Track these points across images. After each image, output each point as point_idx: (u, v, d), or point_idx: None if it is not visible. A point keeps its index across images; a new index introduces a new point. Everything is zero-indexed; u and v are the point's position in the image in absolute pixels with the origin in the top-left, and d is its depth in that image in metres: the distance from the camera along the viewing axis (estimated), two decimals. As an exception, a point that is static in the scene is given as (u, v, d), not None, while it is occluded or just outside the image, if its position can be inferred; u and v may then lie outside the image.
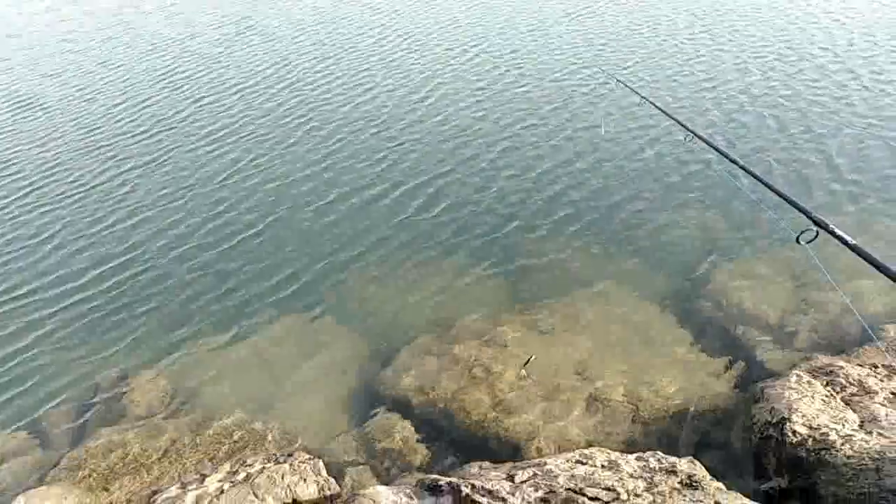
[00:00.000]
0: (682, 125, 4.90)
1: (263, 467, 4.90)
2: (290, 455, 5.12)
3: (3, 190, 10.38)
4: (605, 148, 9.49)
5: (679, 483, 3.82)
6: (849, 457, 3.92)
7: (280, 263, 7.86)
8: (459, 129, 10.60)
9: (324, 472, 4.90)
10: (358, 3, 18.56)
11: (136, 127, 12.11)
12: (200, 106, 12.68)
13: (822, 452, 4.09)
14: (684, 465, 4.10)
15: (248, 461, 5.09)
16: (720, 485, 3.84)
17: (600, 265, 7.26)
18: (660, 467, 4.10)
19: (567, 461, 4.30)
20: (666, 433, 5.26)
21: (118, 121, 12.45)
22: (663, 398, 5.54)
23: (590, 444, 4.98)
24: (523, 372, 5.89)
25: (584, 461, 4.27)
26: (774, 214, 4.46)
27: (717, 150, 4.25)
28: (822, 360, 5.47)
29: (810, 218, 2.94)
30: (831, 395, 4.85)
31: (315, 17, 17.90)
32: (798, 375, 5.12)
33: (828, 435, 4.23)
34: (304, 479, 4.74)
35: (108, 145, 11.47)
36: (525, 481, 4.06)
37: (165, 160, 10.72)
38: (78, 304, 7.58)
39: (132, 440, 5.67)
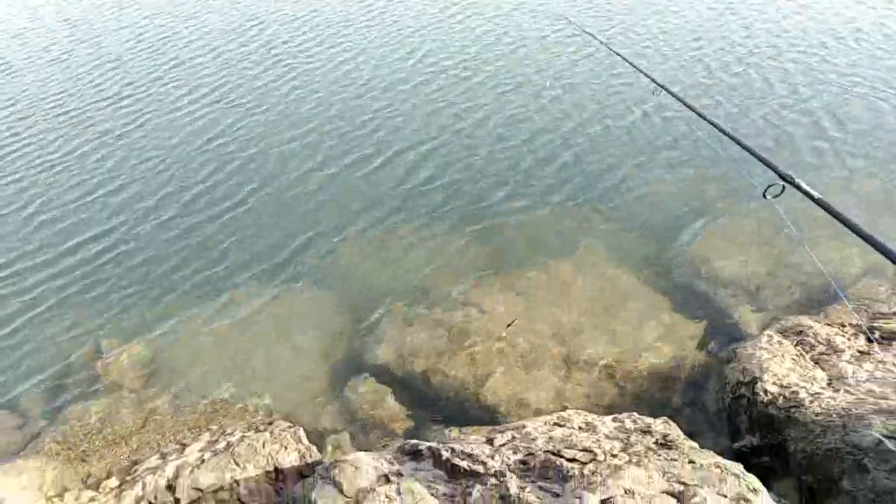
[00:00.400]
0: (651, 77, 4.87)
1: (244, 436, 4.90)
2: (270, 423, 5.13)
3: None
4: (581, 115, 9.43)
5: (654, 443, 3.91)
6: (817, 414, 4.04)
7: (259, 234, 7.75)
8: (440, 97, 10.43)
9: (304, 440, 4.93)
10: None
11: (109, 91, 11.71)
12: (179, 70, 12.27)
13: (792, 410, 4.21)
14: (659, 425, 4.19)
15: (229, 430, 5.09)
16: (694, 444, 3.94)
17: (577, 231, 7.28)
18: (635, 428, 4.18)
19: (545, 424, 4.37)
20: (642, 395, 5.37)
21: (92, 85, 12.01)
22: (639, 361, 5.64)
23: (567, 407, 5.07)
24: (504, 333, 5.94)
25: (562, 424, 4.34)
26: (743, 171, 4.44)
27: (683, 102, 4.22)
28: (793, 320, 5.59)
29: (777, 172, 2.92)
30: (801, 354, 4.98)
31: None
32: (769, 335, 5.24)
33: (797, 393, 4.35)
34: (285, 447, 4.77)
35: (80, 110, 11.10)
36: (504, 444, 4.12)
37: (141, 127, 10.43)
38: (54, 277, 7.42)
39: (111, 412, 5.63)
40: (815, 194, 2.66)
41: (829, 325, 5.42)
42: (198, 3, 15.80)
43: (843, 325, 5.38)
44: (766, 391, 4.46)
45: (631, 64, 5.58)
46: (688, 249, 6.84)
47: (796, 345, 5.10)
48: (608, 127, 9.06)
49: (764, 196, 2.89)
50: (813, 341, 5.14)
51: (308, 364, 6.13)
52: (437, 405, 5.56)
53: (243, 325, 6.57)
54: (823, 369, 4.75)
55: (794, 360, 4.91)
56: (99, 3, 16.10)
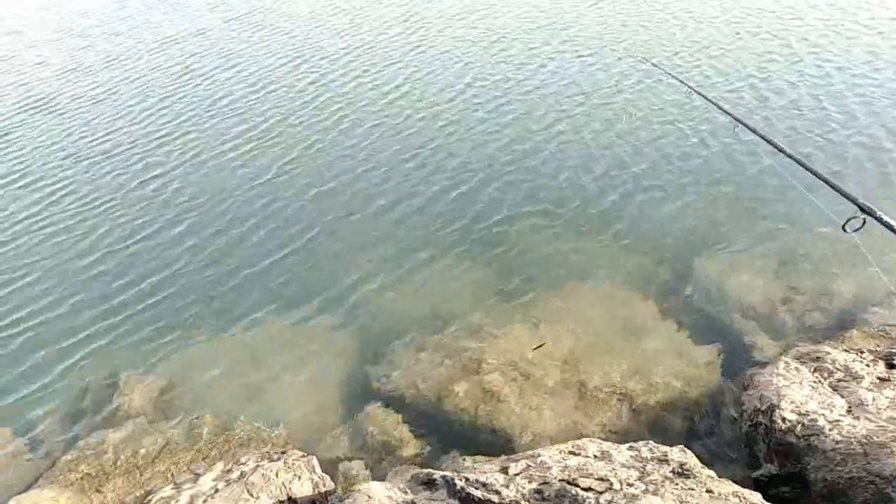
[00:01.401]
0: (728, 112, 4.88)
1: (257, 465, 4.89)
2: (283, 452, 5.12)
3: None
4: (594, 140, 9.47)
5: (671, 472, 3.86)
6: (837, 442, 3.98)
7: (269, 263, 7.82)
8: (453, 117, 10.55)
9: (318, 469, 4.91)
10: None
11: (136, 126, 11.95)
12: (184, 102, 12.54)
13: (812, 438, 4.14)
14: (676, 453, 4.13)
15: (242, 459, 5.09)
16: (711, 472, 3.88)
17: (589, 257, 7.29)
18: (651, 456, 4.13)
19: (560, 452, 4.33)
20: (657, 422, 5.31)
21: (117, 117, 12.28)
22: (654, 388, 5.60)
23: (582, 435, 5.01)
24: (530, 356, 5.92)
25: (577, 452, 4.30)
26: (819, 203, 4.31)
27: (764, 138, 4.16)
28: (810, 346, 5.53)
29: (857, 204, 2.83)
30: (819, 380, 4.91)
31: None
32: (786, 362, 5.18)
33: (816, 421, 4.28)
34: (299, 477, 4.75)
35: (101, 142, 11.33)
36: (518, 473, 4.08)
37: (151, 154, 10.62)
38: (68, 305, 7.51)
39: (124, 441, 5.65)
40: None
41: (846, 351, 5.35)
42: (226, 38, 16.20)
43: (862, 352, 5.31)
44: (784, 419, 4.39)
45: (708, 99, 5.48)
46: (703, 275, 6.81)
47: (814, 371, 5.03)
48: (614, 155, 9.09)
49: (844, 230, 2.84)
50: (831, 367, 5.07)
51: (321, 392, 6.14)
52: (450, 433, 5.53)
53: (257, 355, 6.60)
54: (842, 396, 4.68)
55: (811, 386, 4.84)
56: (142, 42, 16.54)
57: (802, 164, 3.46)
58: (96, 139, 11.50)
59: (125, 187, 9.83)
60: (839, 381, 4.88)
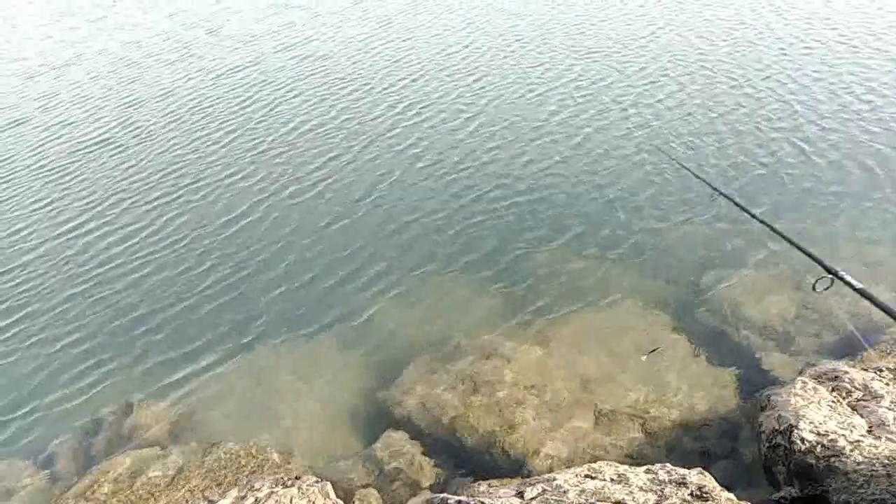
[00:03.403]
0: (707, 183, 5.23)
1: (272, 491, 4.87)
2: (297, 478, 5.09)
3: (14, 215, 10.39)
4: (611, 165, 9.45)
5: (689, 495, 3.80)
6: (859, 463, 3.91)
7: (280, 286, 7.87)
8: (466, 145, 10.63)
9: (332, 495, 4.88)
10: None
11: (148, 153, 12.13)
12: (177, 124, 12.73)
13: (832, 459, 4.08)
14: (694, 476, 4.08)
15: (256, 485, 5.06)
16: (731, 496, 3.82)
17: (603, 278, 7.27)
18: (669, 479, 4.08)
19: (576, 476, 4.28)
20: (674, 445, 5.25)
21: (132, 149, 12.49)
22: (670, 409, 5.54)
23: (598, 458, 4.96)
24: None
25: (594, 475, 4.25)
26: (789, 263, 4.51)
27: (739, 206, 4.39)
28: (827, 365, 5.47)
29: (823, 266, 3.09)
30: (837, 400, 4.84)
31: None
32: (803, 381, 5.11)
33: (836, 441, 4.22)
34: (313, 503, 4.72)
35: (110, 163, 11.51)
36: (534, 497, 4.04)
37: (162, 182, 10.77)
38: (81, 332, 7.58)
39: (139, 468, 5.64)
40: (858, 285, 2.86)
41: (865, 369, 5.28)
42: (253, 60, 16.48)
43: (881, 370, 5.24)
44: (803, 439, 4.33)
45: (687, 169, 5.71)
46: (714, 296, 6.77)
47: (832, 391, 4.97)
48: (628, 180, 9.09)
49: (814, 289, 3.11)
50: (849, 387, 5.00)
51: (334, 418, 6.13)
52: (464, 457, 5.49)
53: (270, 381, 6.62)
54: (862, 416, 4.61)
55: (830, 406, 4.77)
56: (178, 70, 16.80)
57: (774, 230, 3.62)
58: (105, 167, 11.68)
59: (138, 216, 9.93)
60: (858, 400, 4.81)
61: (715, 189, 5.28)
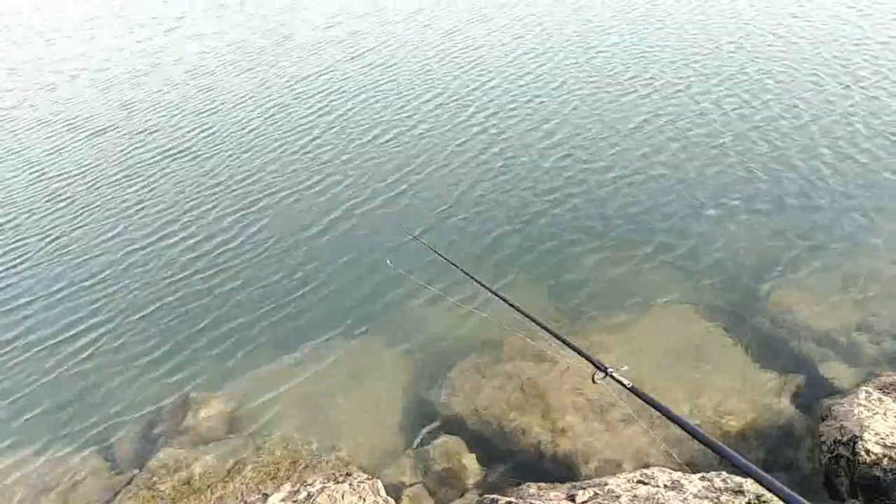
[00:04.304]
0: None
1: (323, 487, 4.97)
2: (348, 475, 5.19)
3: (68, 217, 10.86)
4: (658, 164, 9.35)
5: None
6: (928, 477, 3.76)
7: (333, 288, 8.00)
8: (510, 143, 10.63)
9: (382, 492, 4.95)
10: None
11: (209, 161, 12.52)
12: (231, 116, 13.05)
13: (899, 472, 3.93)
14: (751, 485, 3.99)
15: (309, 480, 5.18)
16: (791, 506, 3.72)
17: (652, 280, 7.16)
18: (725, 487, 4.00)
19: (628, 481, 4.24)
20: (729, 453, 5.12)
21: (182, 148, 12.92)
22: (723, 416, 5.42)
23: (649, 464, 4.89)
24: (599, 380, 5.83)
25: (646, 481, 4.20)
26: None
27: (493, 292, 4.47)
28: (893, 375, 5.26)
29: (594, 364, 3.25)
30: (904, 411, 4.65)
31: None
32: (867, 392, 4.94)
33: (904, 454, 4.06)
34: (364, 499, 4.80)
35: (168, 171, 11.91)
36: (586, 501, 4.02)
37: (232, 184, 11.05)
38: (143, 328, 7.87)
39: (196, 460, 5.84)
40: (627, 383, 2.98)
41: (933, 380, 5.06)
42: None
43: (951, 381, 5.02)
44: (868, 451, 4.18)
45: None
46: (768, 301, 6.59)
47: (898, 401, 4.78)
48: (678, 176, 8.94)
49: (593, 381, 3.19)
50: (917, 398, 4.81)
51: (383, 416, 6.20)
52: (512, 459, 5.48)
53: (319, 378, 6.74)
54: (931, 428, 4.42)
55: (896, 417, 4.59)
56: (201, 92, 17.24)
57: (549, 331, 3.81)
58: (180, 174, 12.08)
59: (207, 222, 10.14)
60: (927, 412, 4.61)
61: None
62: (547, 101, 12.11)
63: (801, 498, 1.92)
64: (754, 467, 2.18)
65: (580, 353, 3.48)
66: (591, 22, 16.21)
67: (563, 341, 3.56)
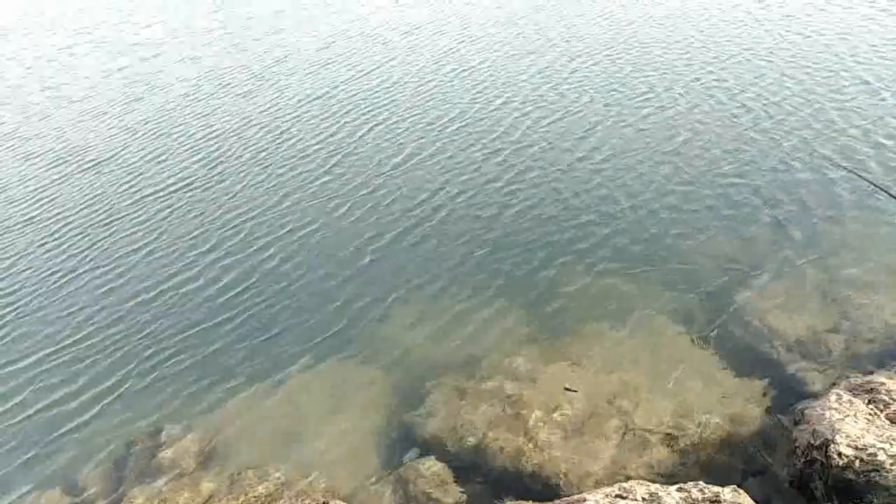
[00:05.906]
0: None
1: (299, 516, 4.86)
2: (325, 503, 5.09)
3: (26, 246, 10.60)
4: (626, 182, 9.39)
5: (724, 513, 3.72)
6: (900, 477, 3.79)
7: (305, 311, 7.90)
8: (493, 163, 10.60)
9: (360, 519, 4.86)
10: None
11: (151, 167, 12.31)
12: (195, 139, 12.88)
13: (872, 474, 3.96)
14: (728, 494, 4.00)
15: (284, 511, 5.06)
16: (767, 513, 3.73)
17: (627, 295, 7.19)
18: (703, 498, 4.00)
19: (606, 496, 4.22)
20: (706, 462, 5.13)
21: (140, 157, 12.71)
22: (700, 426, 5.43)
23: (628, 478, 4.87)
24: (563, 393, 5.86)
25: (625, 495, 4.18)
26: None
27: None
28: (862, 377, 5.33)
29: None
30: (875, 413, 4.71)
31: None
32: (838, 394, 4.99)
33: (876, 455, 4.10)
34: (341, 527, 4.70)
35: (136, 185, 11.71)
36: (565, 519, 3.98)
37: (192, 197, 10.92)
38: (108, 358, 7.67)
39: (169, 495, 5.68)
40: None
41: (902, 380, 5.14)
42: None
43: (919, 381, 5.10)
44: (840, 454, 4.21)
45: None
46: (742, 308, 6.67)
47: (868, 403, 4.83)
48: (644, 195, 9.00)
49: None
50: (887, 399, 4.87)
51: (361, 440, 6.11)
52: (492, 478, 5.42)
53: (295, 405, 6.62)
54: (901, 428, 4.47)
55: (867, 419, 4.64)
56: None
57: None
58: (124, 190, 11.88)
59: (160, 243, 10.02)
60: (897, 412, 4.67)
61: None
62: (514, 120, 12.18)
63: None
64: None
65: None
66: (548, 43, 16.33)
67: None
